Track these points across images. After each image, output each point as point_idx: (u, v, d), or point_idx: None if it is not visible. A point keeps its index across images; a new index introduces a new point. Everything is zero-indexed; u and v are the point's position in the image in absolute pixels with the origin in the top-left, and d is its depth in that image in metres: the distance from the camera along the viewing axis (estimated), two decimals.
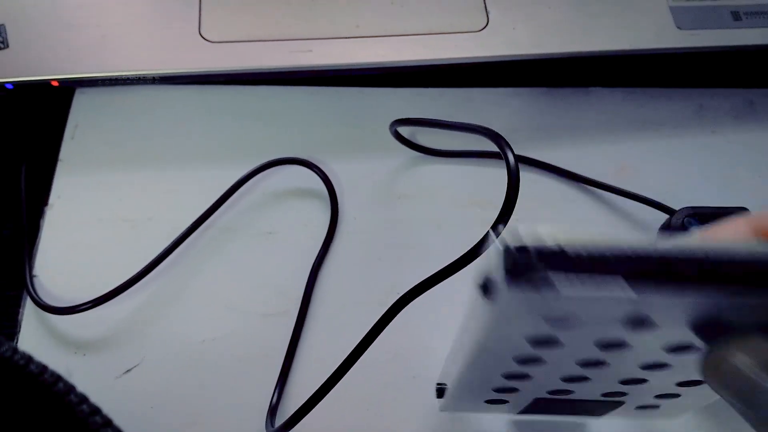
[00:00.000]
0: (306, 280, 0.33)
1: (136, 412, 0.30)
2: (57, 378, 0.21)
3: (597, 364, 0.20)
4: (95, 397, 0.22)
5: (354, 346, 0.27)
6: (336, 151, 0.37)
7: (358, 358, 0.24)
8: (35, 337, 0.32)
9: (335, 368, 0.24)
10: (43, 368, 0.21)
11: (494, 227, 0.21)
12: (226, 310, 0.32)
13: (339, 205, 0.35)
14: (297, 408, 0.25)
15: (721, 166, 0.37)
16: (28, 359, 0.21)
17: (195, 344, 0.32)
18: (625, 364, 0.20)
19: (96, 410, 0.21)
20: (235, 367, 0.31)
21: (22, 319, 0.32)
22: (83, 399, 0.21)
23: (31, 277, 0.33)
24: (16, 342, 0.32)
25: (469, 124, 0.24)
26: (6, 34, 0.35)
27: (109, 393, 0.30)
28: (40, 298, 0.32)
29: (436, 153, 0.36)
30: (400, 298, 0.24)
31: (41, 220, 0.34)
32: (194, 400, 0.30)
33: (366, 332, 0.26)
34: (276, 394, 0.30)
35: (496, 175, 0.36)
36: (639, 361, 0.20)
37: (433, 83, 0.39)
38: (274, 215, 0.35)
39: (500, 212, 0.22)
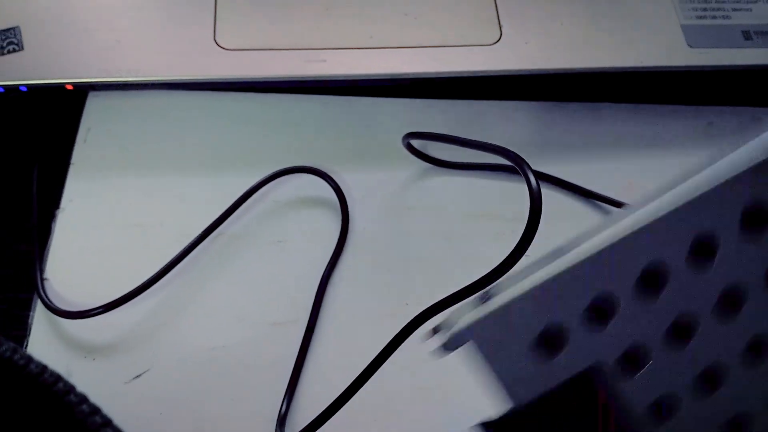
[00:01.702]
0: (315, 290, 0.33)
1: (144, 418, 0.30)
2: (57, 378, 0.21)
3: None
4: (104, 402, 0.22)
5: (363, 357, 0.27)
6: (346, 160, 0.37)
7: (372, 375, 0.24)
8: (45, 341, 0.32)
9: (348, 384, 0.25)
10: (43, 368, 0.21)
11: (518, 250, 0.21)
12: (235, 318, 0.33)
13: (350, 222, 0.35)
14: (307, 423, 0.25)
15: None
16: (28, 359, 0.21)
17: (204, 351, 0.32)
18: None
19: (96, 410, 0.21)
20: (244, 376, 0.31)
21: (32, 323, 0.32)
22: (83, 399, 0.21)
23: (42, 280, 0.33)
24: (26, 345, 0.32)
25: (487, 144, 0.25)
26: (21, 36, 0.35)
27: (117, 398, 0.30)
28: (51, 301, 0.32)
29: (448, 165, 0.37)
30: (417, 315, 0.24)
31: (53, 223, 0.34)
32: (203, 408, 0.31)
33: (379, 347, 0.26)
34: (285, 404, 0.30)
35: (507, 188, 0.36)
36: None
37: (444, 95, 0.39)
38: (283, 224, 0.35)
39: (521, 237, 0.22)
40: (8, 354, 0.21)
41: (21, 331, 0.32)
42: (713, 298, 0.19)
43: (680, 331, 0.19)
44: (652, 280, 0.19)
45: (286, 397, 0.30)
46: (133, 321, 0.32)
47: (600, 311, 0.18)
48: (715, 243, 0.18)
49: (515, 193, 0.36)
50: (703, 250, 0.18)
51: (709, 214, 0.18)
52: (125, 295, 0.32)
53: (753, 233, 0.18)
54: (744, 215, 0.18)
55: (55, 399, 0.21)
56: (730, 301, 0.19)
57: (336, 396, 0.25)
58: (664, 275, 0.18)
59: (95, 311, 0.31)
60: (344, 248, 0.34)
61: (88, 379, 0.30)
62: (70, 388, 0.21)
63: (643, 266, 0.18)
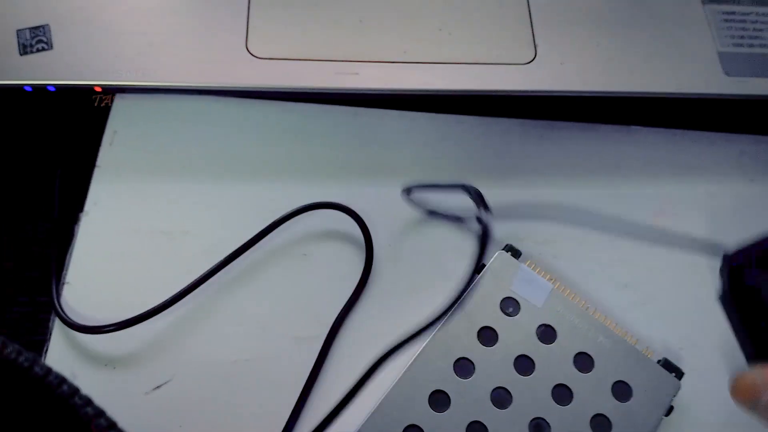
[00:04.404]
0: (339, 304, 0.33)
1: (163, 429, 0.30)
2: (62, 380, 0.21)
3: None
4: (123, 412, 0.22)
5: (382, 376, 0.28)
6: (373, 174, 0.36)
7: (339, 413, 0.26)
8: (65, 348, 0.31)
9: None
10: (48, 370, 0.21)
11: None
12: (258, 331, 0.32)
13: (373, 236, 0.34)
14: None
15: (759, 215, 0.37)
16: (33, 361, 0.21)
17: (226, 364, 0.31)
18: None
19: (100, 413, 0.21)
20: (266, 389, 0.31)
21: (53, 327, 0.32)
22: (88, 401, 0.21)
23: (58, 294, 0.32)
24: (46, 351, 0.31)
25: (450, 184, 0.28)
26: (50, 34, 0.35)
27: (137, 408, 0.30)
28: (66, 315, 0.31)
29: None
30: (383, 354, 0.25)
31: (76, 227, 0.34)
32: (223, 421, 0.30)
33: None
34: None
35: (533, 209, 0.36)
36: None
37: (477, 112, 0.39)
38: (309, 237, 0.35)
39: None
40: (13, 356, 0.21)
41: (42, 335, 0.32)
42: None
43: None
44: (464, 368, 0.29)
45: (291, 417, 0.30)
46: (155, 331, 0.32)
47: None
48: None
49: (542, 213, 0.36)
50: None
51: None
52: (141, 314, 0.31)
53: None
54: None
55: (60, 401, 0.21)
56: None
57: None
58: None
59: (108, 328, 0.31)
60: (368, 280, 0.34)
61: (108, 389, 0.30)
62: (75, 391, 0.21)
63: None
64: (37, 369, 0.21)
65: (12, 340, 0.21)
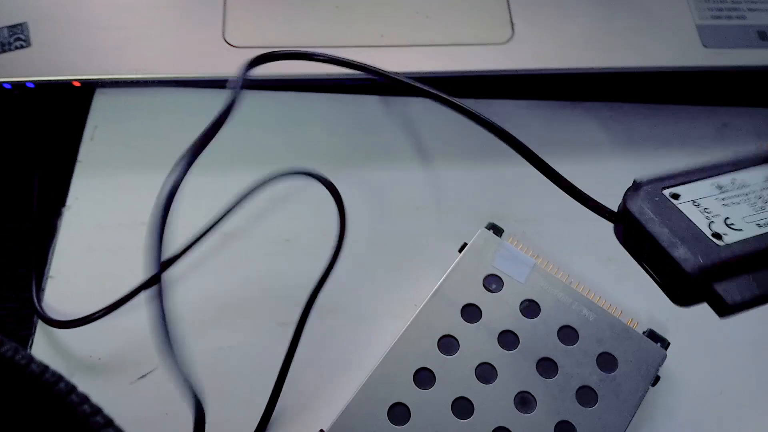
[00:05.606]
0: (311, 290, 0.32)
1: (150, 418, 0.30)
2: (58, 378, 0.21)
3: None
4: (109, 402, 0.22)
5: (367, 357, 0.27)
6: (353, 159, 0.36)
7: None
8: (50, 339, 0.32)
9: None
10: (45, 368, 0.21)
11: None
12: (241, 318, 0.32)
13: (350, 215, 0.33)
14: None
15: None
16: (29, 359, 0.21)
17: (210, 351, 0.31)
18: None
19: (97, 410, 0.21)
20: (251, 376, 0.31)
21: (37, 321, 0.32)
22: (84, 399, 0.21)
23: (38, 290, 0.32)
24: (31, 344, 0.31)
25: None
26: (28, 32, 0.35)
27: (123, 398, 0.30)
28: (43, 310, 0.31)
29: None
30: None
31: (58, 222, 0.34)
32: (209, 409, 0.30)
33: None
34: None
35: (515, 188, 0.36)
36: None
37: (455, 94, 0.39)
38: (291, 222, 0.35)
39: None
40: (9, 354, 0.21)
41: (28, 330, 0.32)
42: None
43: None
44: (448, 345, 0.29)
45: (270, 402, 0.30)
46: (138, 320, 0.32)
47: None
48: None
49: (524, 191, 0.36)
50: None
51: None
52: (110, 305, 0.31)
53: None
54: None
55: (57, 399, 0.21)
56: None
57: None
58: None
59: (80, 321, 0.31)
60: (342, 249, 0.33)
61: (93, 379, 0.30)
62: (72, 388, 0.21)
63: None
64: (33, 367, 0.21)
65: (9, 338, 0.21)
